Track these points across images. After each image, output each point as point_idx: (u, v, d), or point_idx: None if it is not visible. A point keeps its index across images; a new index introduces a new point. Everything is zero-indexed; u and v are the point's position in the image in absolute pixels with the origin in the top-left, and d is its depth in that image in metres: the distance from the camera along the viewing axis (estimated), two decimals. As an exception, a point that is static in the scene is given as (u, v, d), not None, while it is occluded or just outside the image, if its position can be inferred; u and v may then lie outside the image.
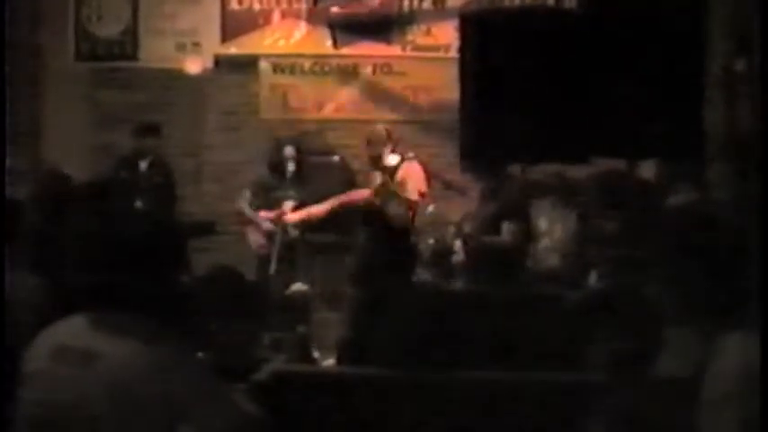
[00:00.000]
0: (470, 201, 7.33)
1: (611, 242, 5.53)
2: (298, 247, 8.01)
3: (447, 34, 9.04)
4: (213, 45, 9.52)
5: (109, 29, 9.55)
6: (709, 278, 2.76)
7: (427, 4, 9.37)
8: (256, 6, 9.48)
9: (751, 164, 5.68)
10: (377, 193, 7.74)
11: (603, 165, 6.39)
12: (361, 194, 8.04)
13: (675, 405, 2.61)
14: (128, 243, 2.68)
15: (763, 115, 5.27)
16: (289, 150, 8.03)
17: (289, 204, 7.91)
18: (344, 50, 9.47)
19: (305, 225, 8.05)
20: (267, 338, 4.82)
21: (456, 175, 7.71)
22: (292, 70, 9.52)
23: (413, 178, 8.06)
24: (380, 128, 8.24)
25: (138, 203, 8.01)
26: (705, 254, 2.79)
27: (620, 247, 5.23)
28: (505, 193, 6.92)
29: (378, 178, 8.09)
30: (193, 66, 9.42)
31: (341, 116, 9.51)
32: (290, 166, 7.96)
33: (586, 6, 6.72)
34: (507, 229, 6.71)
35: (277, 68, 9.53)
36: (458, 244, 7.16)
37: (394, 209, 7.64)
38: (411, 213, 8.07)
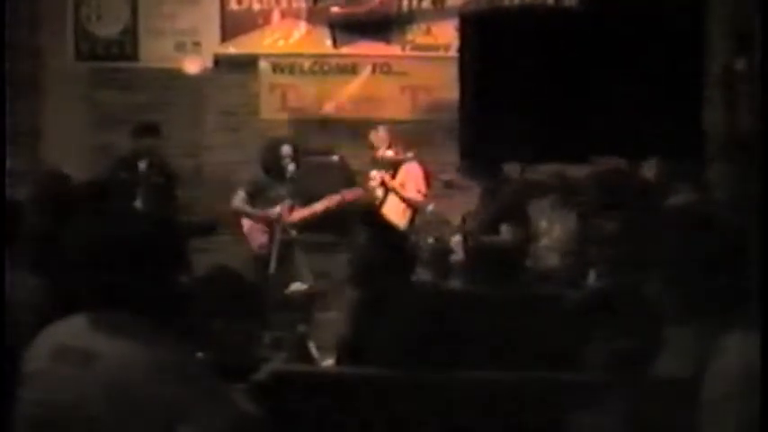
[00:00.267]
0: (470, 200, 7.33)
1: (610, 242, 5.53)
2: (297, 247, 8.01)
3: (447, 34, 9.04)
4: (213, 45, 9.52)
5: (108, 29, 9.55)
6: (708, 278, 2.76)
7: (427, 4, 9.37)
8: (256, 6, 9.48)
9: (751, 163, 5.67)
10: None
11: (603, 164, 6.40)
12: (355, 193, 8.04)
13: (675, 405, 2.61)
14: (128, 243, 2.68)
15: (763, 115, 5.27)
16: (286, 149, 8.01)
17: (286, 204, 7.89)
18: (344, 50, 9.47)
19: (304, 225, 8.05)
20: (267, 338, 4.82)
21: (456, 175, 7.70)
22: (292, 70, 9.53)
23: (412, 178, 8.09)
24: (383, 129, 8.28)
25: (138, 204, 8.00)
26: (705, 253, 2.79)
27: (620, 246, 5.23)
28: (504, 194, 6.93)
29: (377, 178, 8.10)
30: (193, 66, 9.42)
31: (340, 116, 9.50)
32: (290, 166, 7.94)
33: (586, 5, 6.72)
34: (506, 230, 6.73)
35: (277, 68, 9.53)
36: (458, 243, 7.17)
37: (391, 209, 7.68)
38: (411, 213, 8.09)
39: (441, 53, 9.16)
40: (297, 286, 7.53)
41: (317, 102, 9.56)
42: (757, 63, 6.30)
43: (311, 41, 9.50)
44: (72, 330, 2.68)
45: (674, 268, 2.85)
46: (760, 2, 5.86)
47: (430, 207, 7.97)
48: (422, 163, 8.28)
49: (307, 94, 9.55)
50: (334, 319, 6.42)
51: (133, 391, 2.51)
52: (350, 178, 8.79)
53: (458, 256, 7.18)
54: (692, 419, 2.50)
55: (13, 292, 3.76)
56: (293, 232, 7.97)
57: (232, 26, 9.52)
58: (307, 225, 8.06)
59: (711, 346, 2.56)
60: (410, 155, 8.27)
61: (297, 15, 9.46)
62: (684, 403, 2.53)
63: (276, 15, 9.48)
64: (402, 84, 9.48)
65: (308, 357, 5.03)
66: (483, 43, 6.36)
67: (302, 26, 9.49)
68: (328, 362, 4.79)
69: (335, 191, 8.10)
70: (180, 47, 9.50)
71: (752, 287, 2.62)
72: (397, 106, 9.45)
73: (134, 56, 9.57)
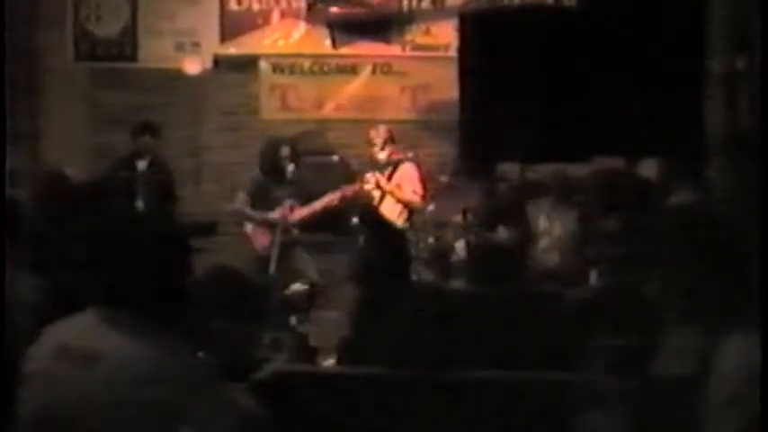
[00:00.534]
0: (470, 200, 7.32)
1: (611, 241, 5.53)
2: (297, 247, 8.01)
3: (446, 34, 9.04)
4: (212, 45, 9.52)
5: (108, 29, 9.55)
6: (708, 277, 2.76)
7: (426, 4, 9.37)
8: (255, 6, 9.48)
9: (751, 163, 5.68)
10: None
11: (603, 163, 6.39)
12: (354, 189, 8.04)
13: (676, 404, 2.60)
14: (128, 243, 2.68)
15: (763, 115, 5.27)
16: (285, 151, 8.01)
17: (287, 204, 7.90)
18: (344, 50, 9.47)
19: (305, 224, 8.05)
20: (267, 338, 4.82)
21: (455, 175, 7.70)
22: (292, 70, 9.53)
23: (408, 179, 8.07)
24: (382, 128, 8.27)
25: (138, 203, 8.00)
26: (705, 253, 2.78)
27: (620, 246, 5.22)
28: (503, 194, 6.93)
29: (371, 180, 8.08)
30: (192, 66, 9.41)
31: (340, 116, 9.50)
32: (290, 167, 7.94)
33: (586, 5, 6.71)
34: (504, 231, 6.73)
35: (276, 68, 9.54)
36: (459, 243, 7.16)
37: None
38: (408, 213, 8.08)
39: (440, 53, 9.16)
40: (297, 287, 7.53)
41: (316, 102, 9.56)
42: (757, 63, 6.30)
43: (311, 42, 9.50)
44: (73, 330, 2.68)
45: (674, 267, 2.84)
46: (760, 2, 5.86)
47: (430, 207, 7.96)
48: (419, 163, 8.26)
49: (306, 94, 9.55)
50: (334, 319, 6.41)
51: (134, 390, 2.51)
52: (350, 178, 8.77)
53: (457, 255, 7.18)
54: (693, 419, 2.50)
55: (13, 291, 3.76)
56: (295, 232, 7.97)
57: (232, 26, 9.52)
58: (307, 225, 8.06)
59: (712, 347, 2.56)
60: (410, 155, 8.26)
61: (296, 15, 9.46)
62: (685, 403, 2.53)
63: (276, 15, 9.48)
64: (402, 84, 9.48)
65: (308, 357, 5.02)
66: (483, 43, 6.36)
67: (302, 26, 9.48)
68: (329, 362, 4.79)
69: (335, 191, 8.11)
70: (179, 47, 9.50)
71: (752, 286, 2.61)
72: (397, 106, 9.45)
73: (133, 56, 9.56)
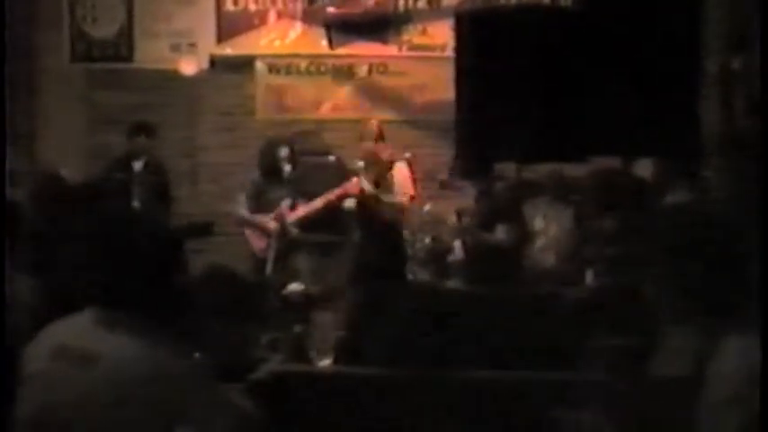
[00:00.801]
0: (467, 200, 7.33)
1: (607, 241, 5.53)
2: (294, 247, 8.00)
3: (443, 33, 9.03)
4: (209, 46, 9.51)
5: (104, 30, 9.54)
6: (704, 277, 2.76)
7: (422, 4, 9.36)
8: (252, 7, 9.47)
9: (748, 162, 5.68)
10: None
11: (600, 163, 6.39)
12: (353, 185, 8.00)
13: (674, 404, 2.60)
14: (124, 244, 2.68)
15: (763, 114, 5.27)
16: (283, 151, 8.01)
17: (286, 204, 7.89)
18: (340, 50, 9.46)
19: (301, 224, 8.04)
20: (264, 339, 4.81)
21: (452, 175, 7.69)
22: (288, 70, 9.52)
23: (400, 181, 8.03)
24: (372, 123, 8.23)
25: (134, 204, 8.00)
26: (701, 252, 2.78)
27: (617, 245, 5.23)
28: (500, 193, 6.93)
29: (356, 185, 8.02)
30: (189, 66, 9.40)
31: (337, 116, 9.50)
32: (286, 167, 7.93)
33: (582, 5, 6.72)
34: (501, 230, 6.73)
35: (273, 69, 9.53)
36: (456, 243, 7.17)
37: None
38: (400, 215, 8.04)
39: (437, 53, 9.16)
40: (294, 287, 7.52)
41: (313, 102, 9.55)
42: (756, 62, 6.30)
43: (307, 42, 9.49)
44: (71, 330, 2.68)
45: (670, 267, 2.84)
46: (759, 2, 5.86)
47: (427, 207, 7.95)
48: (411, 163, 8.23)
49: (303, 94, 9.55)
50: (331, 320, 6.42)
51: (132, 391, 2.51)
52: (347, 178, 8.77)
53: (454, 255, 7.18)
54: (691, 419, 2.50)
55: (11, 292, 3.76)
56: (294, 231, 7.97)
57: (228, 27, 9.51)
58: (306, 225, 8.05)
59: (711, 347, 2.56)
60: (408, 155, 8.24)
61: (293, 16, 9.45)
62: (683, 403, 2.53)
63: (272, 16, 9.47)
64: (398, 84, 9.47)
65: (305, 357, 5.02)
66: (479, 43, 6.37)
67: (298, 27, 9.47)
68: (325, 362, 4.79)
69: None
70: (176, 48, 9.49)
71: (751, 286, 2.62)
72: (393, 106, 9.44)
73: (130, 57, 9.55)
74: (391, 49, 9.47)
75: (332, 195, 7.95)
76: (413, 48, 9.44)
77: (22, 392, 2.68)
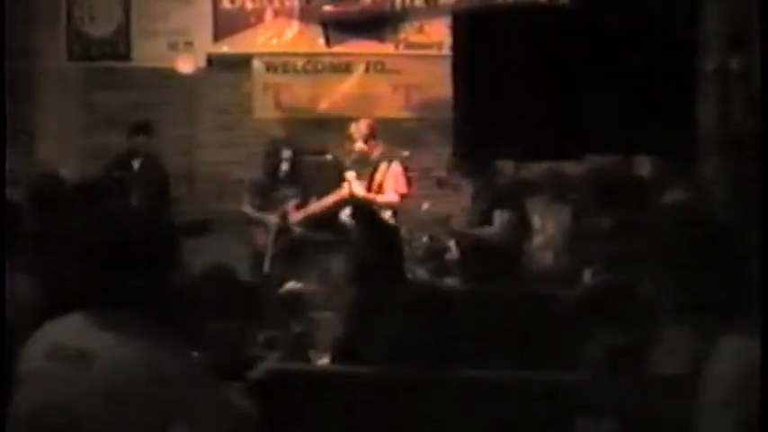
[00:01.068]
0: (464, 198, 7.32)
1: (605, 239, 5.53)
2: (293, 246, 8.01)
3: (440, 31, 9.04)
4: (206, 44, 9.50)
5: (101, 29, 9.53)
6: (702, 275, 2.75)
7: (419, 2, 9.36)
8: (249, 5, 9.46)
9: (746, 161, 5.68)
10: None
11: (597, 161, 6.40)
12: (344, 191, 7.99)
13: (673, 403, 2.60)
14: (122, 242, 2.67)
15: (763, 114, 5.27)
16: (287, 153, 8.04)
17: (293, 203, 7.94)
18: (337, 48, 9.46)
19: (303, 223, 8.06)
20: (261, 337, 4.82)
21: (449, 173, 7.69)
22: (285, 69, 9.52)
23: (392, 180, 8.00)
24: (363, 122, 8.18)
25: (132, 202, 8.00)
26: (699, 251, 2.78)
27: (614, 244, 5.23)
28: (498, 189, 6.93)
29: (345, 187, 8.01)
30: (186, 65, 9.40)
31: (334, 114, 9.49)
32: (285, 166, 7.95)
33: (579, 2, 6.71)
34: (499, 217, 6.69)
35: (270, 67, 9.53)
36: (452, 242, 7.16)
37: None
38: (392, 213, 8.02)
39: (434, 51, 9.16)
40: (291, 285, 7.52)
41: (310, 101, 9.55)
42: (755, 61, 6.29)
43: (304, 40, 9.49)
44: (67, 329, 2.67)
45: (668, 266, 2.84)
46: (759, 1, 5.85)
47: (424, 205, 7.94)
48: (404, 161, 8.20)
49: (300, 92, 9.55)
50: (329, 318, 6.41)
51: (129, 390, 2.51)
52: (343, 177, 8.77)
53: (452, 254, 7.18)
54: (690, 418, 2.50)
55: (11, 291, 3.75)
56: (296, 230, 7.99)
57: (225, 25, 9.51)
58: (306, 224, 8.06)
59: (709, 346, 2.56)
60: (406, 153, 8.23)
61: (290, 14, 9.45)
62: (682, 402, 2.53)
63: (269, 14, 9.46)
64: (395, 82, 9.47)
65: (302, 356, 5.02)
66: (476, 41, 6.36)
67: (295, 25, 9.47)
68: (323, 360, 4.79)
69: (329, 190, 8.10)
70: (173, 46, 9.48)
71: (750, 286, 2.61)
72: (390, 104, 9.44)
73: (127, 56, 9.55)
74: (388, 48, 9.46)
75: (326, 202, 7.96)
76: (409, 46, 9.44)
77: (16, 392, 2.67)
